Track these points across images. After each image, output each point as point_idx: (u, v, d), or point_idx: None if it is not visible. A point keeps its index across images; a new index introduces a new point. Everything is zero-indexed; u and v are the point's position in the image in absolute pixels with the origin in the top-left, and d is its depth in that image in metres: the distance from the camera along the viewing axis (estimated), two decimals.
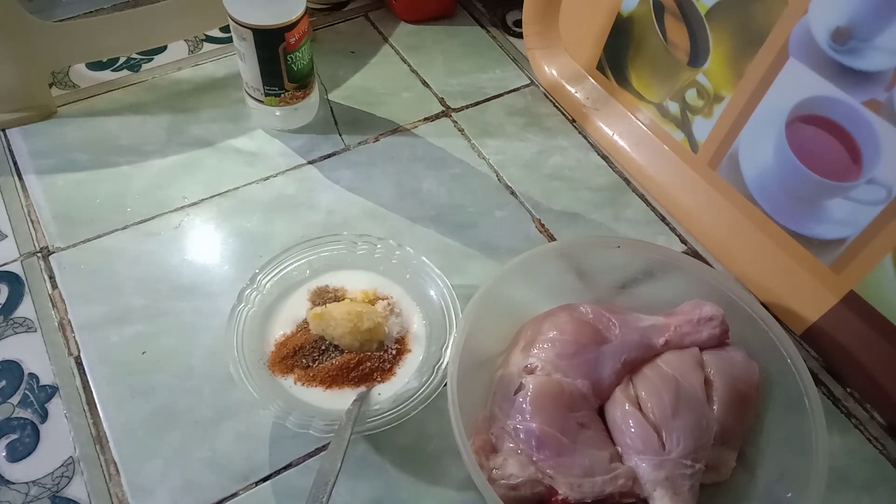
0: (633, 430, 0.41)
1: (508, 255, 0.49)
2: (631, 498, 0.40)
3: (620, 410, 0.42)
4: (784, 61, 0.48)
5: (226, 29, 0.72)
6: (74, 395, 0.47)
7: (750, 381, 0.44)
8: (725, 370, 0.44)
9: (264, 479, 0.44)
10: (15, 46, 0.58)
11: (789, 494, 0.40)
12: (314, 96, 0.63)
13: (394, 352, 0.47)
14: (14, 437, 0.45)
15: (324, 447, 0.45)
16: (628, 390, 0.43)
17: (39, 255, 0.54)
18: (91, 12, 0.72)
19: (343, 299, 0.48)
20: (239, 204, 0.58)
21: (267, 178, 0.60)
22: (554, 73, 0.68)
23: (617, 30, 0.61)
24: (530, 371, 0.43)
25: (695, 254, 0.57)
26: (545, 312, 0.47)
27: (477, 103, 0.67)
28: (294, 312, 0.48)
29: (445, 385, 0.41)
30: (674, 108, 0.58)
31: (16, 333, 0.50)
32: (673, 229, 0.59)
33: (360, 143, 0.63)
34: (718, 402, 0.43)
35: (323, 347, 0.46)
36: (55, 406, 0.47)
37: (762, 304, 0.53)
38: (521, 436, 0.40)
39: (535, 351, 0.44)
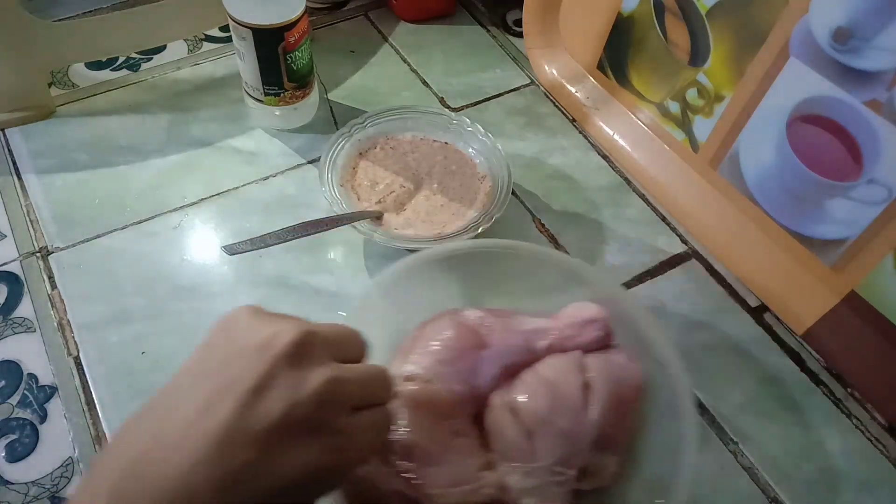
0: (504, 437, 0.40)
1: None
2: None
3: (495, 417, 0.41)
4: (785, 61, 0.48)
5: (225, 28, 0.71)
6: (74, 396, 0.47)
7: (631, 384, 0.42)
8: (606, 374, 0.42)
9: None
10: (14, 46, 0.58)
11: (661, 501, 0.39)
12: (314, 96, 0.63)
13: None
14: (13, 437, 0.45)
15: None
16: (505, 396, 0.41)
17: (38, 255, 0.54)
18: (90, 11, 0.72)
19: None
20: (238, 204, 0.58)
21: (266, 178, 0.60)
22: (554, 72, 0.68)
23: (617, 29, 0.61)
24: (409, 379, 0.41)
25: (695, 254, 0.57)
26: (430, 318, 0.45)
27: (477, 103, 0.67)
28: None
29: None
30: (674, 107, 0.58)
31: (15, 333, 0.50)
32: (673, 229, 0.59)
33: None
34: (597, 406, 0.41)
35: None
36: (54, 406, 0.47)
37: (763, 304, 0.54)
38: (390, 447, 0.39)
39: (415, 358, 0.42)
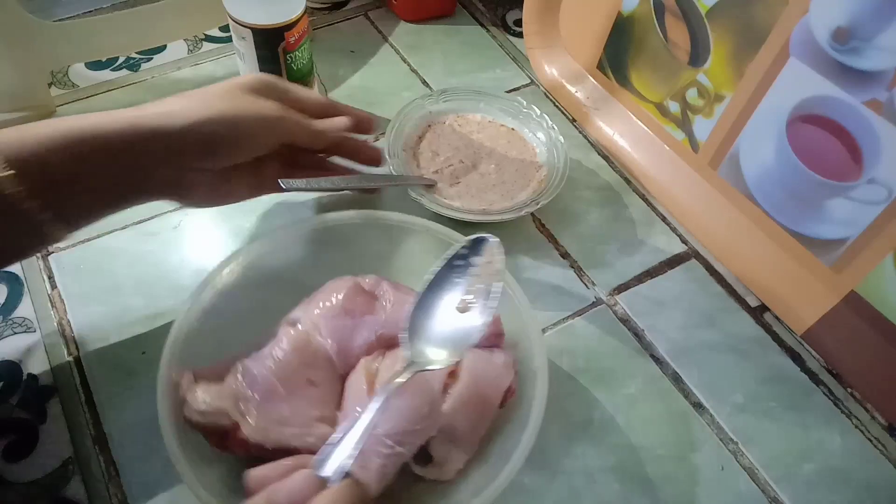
0: (351, 397, 0.41)
1: (508, 255, 0.48)
2: None
3: (351, 378, 0.42)
4: (785, 61, 0.48)
5: (225, 28, 0.71)
6: (73, 396, 0.47)
7: (497, 385, 0.42)
8: (476, 369, 0.42)
9: None
10: (14, 46, 0.58)
11: (474, 501, 0.38)
12: None
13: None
14: (13, 437, 0.45)
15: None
16: (372, 364, 0.42)
17: (38, 254, 0.54)
18: (90, 11, 0.72)
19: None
20: (238, 204, 0.58)
21: None
22: (554, 72, 0.68)
23: (617, 29, 0.61)
24: (291, 324, 0.43)
25: (695, 254, 0.57)
26: (337, 279, 0.46)
27: None
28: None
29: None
30: (674, 107, 0.58)
31: (15, 333, 0.50)
32: (673, 229, 0.59)
33: None
34: (455, 398, 0.41)
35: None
36: (54, 406, 0.47)
37: (763, 304, 0.54)
38: (243, 376, 0.41)
39: (303, 306, 0.44)
